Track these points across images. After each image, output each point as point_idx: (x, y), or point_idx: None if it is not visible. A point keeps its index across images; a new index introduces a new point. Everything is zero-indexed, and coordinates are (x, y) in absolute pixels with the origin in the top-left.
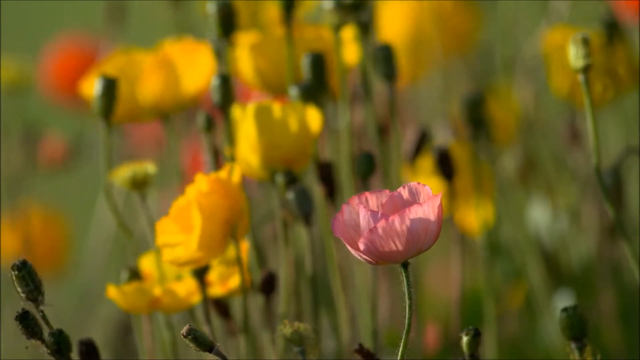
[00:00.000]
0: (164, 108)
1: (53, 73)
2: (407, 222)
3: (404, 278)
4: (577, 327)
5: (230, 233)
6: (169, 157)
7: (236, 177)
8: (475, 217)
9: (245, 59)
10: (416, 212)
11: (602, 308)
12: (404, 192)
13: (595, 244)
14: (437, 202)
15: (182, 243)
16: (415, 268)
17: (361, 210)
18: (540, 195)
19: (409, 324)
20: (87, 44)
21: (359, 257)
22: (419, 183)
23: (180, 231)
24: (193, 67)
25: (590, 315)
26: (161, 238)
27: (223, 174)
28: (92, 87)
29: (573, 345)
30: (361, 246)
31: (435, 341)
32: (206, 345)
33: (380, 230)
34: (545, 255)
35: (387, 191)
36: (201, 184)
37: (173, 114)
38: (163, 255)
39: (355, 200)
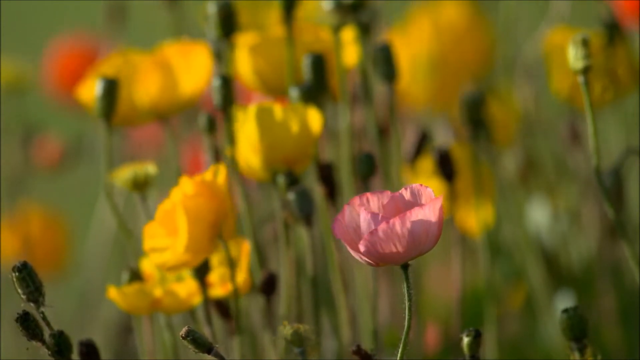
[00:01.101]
0: (161, 110)
1: (55, 73)
2: (408, 225)
3: (404, 279)
4: (577, 327)
5: (218, 235)
6: (169, 158)
7: (221, 179)
8: (475, 217)
9: (244, 60)
10: (417, 215)
11: (602, 308)
12: (406, 194)
13: (595, 245)
14: (439, 204)
15: (169, 247)
16: (415, 269)
17: (362, 212)
18: (540, 195)
19: (409, 325)
20: (89, 44)
21: (359, 259)
22: (420, 184)
23: (167, 235)
24: (190, 68)
25: (591, 316)
26: (148, 242)
27: (208, 175)
28: (89, 91)
29: (573, 346)
30: (362, 248)
31: (436, 342)
32: (205, 347)
33: (380, 233)
34: (545, 256)
35: (389, 192)
36: (186, 186)
37: (170, 115)
38: (151, 259)
39: (356, 201)
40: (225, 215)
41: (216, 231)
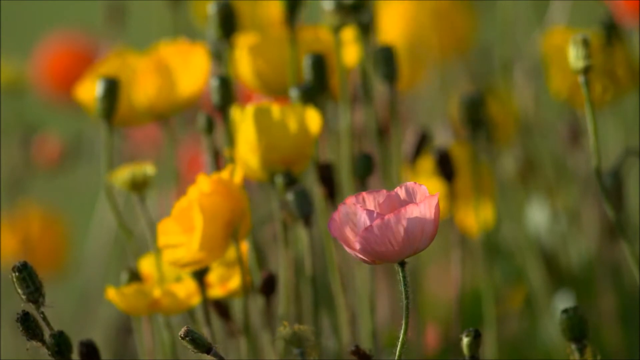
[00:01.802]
0: (159, 110)
1: (46, 72)
2: (403, 222)
3: (401, 277)
4: (577, 328)
5: (232, 234)
6: (167, 158)
7: (238, 178)
8: (475, 217)
9: (244, 60)
10: (412, 212)
11: (602, 309)
12: (401, 192)
13: (595, 245)
14: (434, 201)
15: (184, 244)
16: (415, 269)
17: (357, 209)
18: (540, 196)
19: (407, 324)
20: (80, 42)
21: (355, 256)
22: (415, 183)
23: (182, 232)
24: (188, 68)
25: (590, 316)
26: (163, 239)
27: (225, 174)
28: (87, 92)
29: (573, 346)
30: (357, 245)
31: (435, 342)
32: (204, 347)
33: (376, 229)
34: (545, 256)
35: (384, 191)
36: (203, 184)
37: (169, 116)
38: (164, 256)
39: (352, 200)
40: (240, 214)
41: (231, 230)
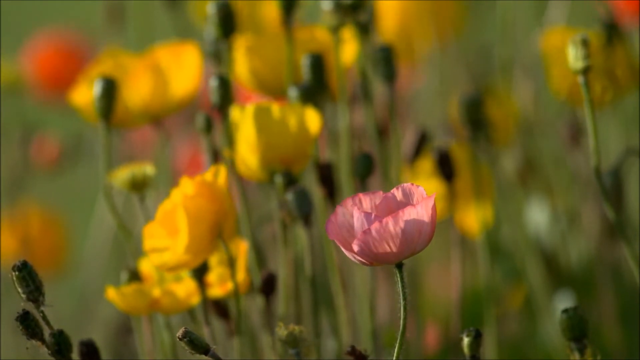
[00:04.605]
0: (153, 112)
1: (35, 70)
2: (401, 224)
3: (399, 279)
4: (577, 327)
5: (218, 235)
6: (164, 158)
7: (222, 180)
8: (475, 218)
9: (241, 60)
10: (410, 214)
11: (602, 308)
12: (398, 194)
13: (595, 245)
14: (431, 203)
15: (169, 247)
16: (415, 269)
17: (355, 212)
18: (539, 196)
19: (404, 325)
20: (69, 40)
21: (352, 259)
22: (412, 184)
23: (167, 235)
24: (181, 69)
25: (590, 316)
26: (148, 242)
27: (208, 176)
28: (82, 96)
29: (573, 346)
30: (355, 248)
31: (436, 342)
32: (202, 348)
33: (374, 232)
34: (545, 256)
35: (381, 192)
36: (186, 187)
37: (163, 117)
38: (151, 260)
39: (349, 202)
40: (225, 215)
41: (216, 232)
